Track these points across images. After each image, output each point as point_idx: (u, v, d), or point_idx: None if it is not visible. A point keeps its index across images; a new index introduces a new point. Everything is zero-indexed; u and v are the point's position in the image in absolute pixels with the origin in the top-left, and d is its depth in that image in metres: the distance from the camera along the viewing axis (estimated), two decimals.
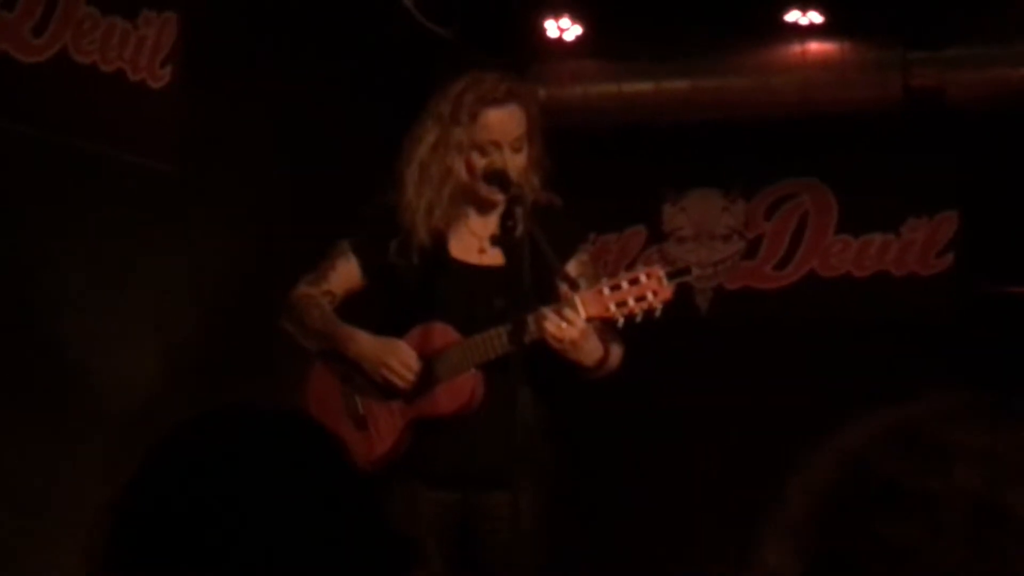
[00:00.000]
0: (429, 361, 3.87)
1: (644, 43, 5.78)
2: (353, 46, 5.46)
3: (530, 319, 3.72)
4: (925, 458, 1.09)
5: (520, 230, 3.70)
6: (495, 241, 3.78)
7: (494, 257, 3.85)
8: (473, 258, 3.92)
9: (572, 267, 3.91)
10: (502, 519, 3.73)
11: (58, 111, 4.57)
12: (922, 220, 6.03)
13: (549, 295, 3.83)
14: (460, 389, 3.84)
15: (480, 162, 3.82)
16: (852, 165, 6.04)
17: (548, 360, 3.79)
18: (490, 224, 3.88)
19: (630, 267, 6.01)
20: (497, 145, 3.80)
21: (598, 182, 6.11)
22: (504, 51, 5.57)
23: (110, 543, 1.35)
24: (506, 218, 3.73)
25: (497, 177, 3.80)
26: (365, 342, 3.89)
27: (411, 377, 3.85)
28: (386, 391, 3.90)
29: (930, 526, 1.06)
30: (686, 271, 3.90)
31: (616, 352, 3.89)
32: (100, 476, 4.33)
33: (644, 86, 5.82)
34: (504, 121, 3.80)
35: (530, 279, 3.68)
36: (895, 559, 1.06)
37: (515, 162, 3.81)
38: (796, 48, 5.69)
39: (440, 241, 3.89)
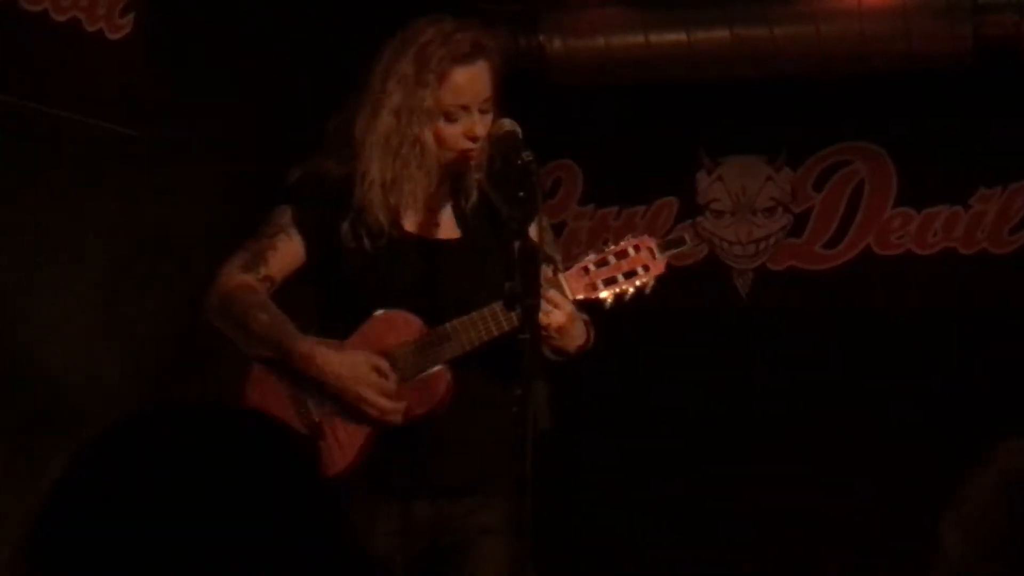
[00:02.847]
0: (392, 355, 3.77)
1: None
2: None
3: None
4: None
5: (539, 198, 3.59)
6: (503, 218, 3.64)
7: (449, 231, 3.81)
8: (432, 233, 3.84)
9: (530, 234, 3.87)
10: (478, 529, 3.72)
11: (2, 65, 4.51)
12: (994, 191, 5.99)
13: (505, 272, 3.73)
14: (433, 387, 3.75)
15: (450, 129, 3.72)
16: (914, 128, 6.00)
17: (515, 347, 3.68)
18: (443, 195, 3.81)
19: None
20: (467, 109, 3.73)
21: (623, 147, 6.11)
22: None
23: (29, 553, 1.35)
24: (517, 189, 3.56)
25: (505, 141, 3.67)
26: (331, 362, 3.74)
27: (391, 407, 3.73)
28: (353, 412, 3.77)
29: None
30: (680, 241, 3.86)
31: (592, 335, 3.83)
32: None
33: (675, 37, 5.79)
34: (474, 81, 3.73)
35: (491, 252, 3.67)
36: None
37: (485, 125, 3.73)
38: None
39: (396, 218, 3.79)
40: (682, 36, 5.77)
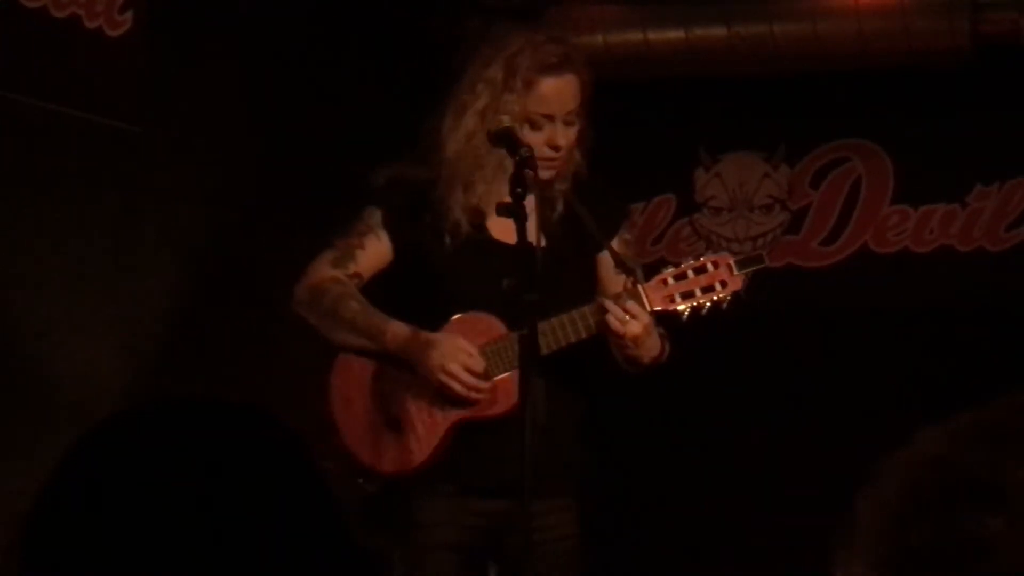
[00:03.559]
0: None
1: None
2: None
3: (588, 310, 3.77)
4: (1013, 451, 1.24)
5: (529, 198, 3.65)
6: (500, 211, 3.71)
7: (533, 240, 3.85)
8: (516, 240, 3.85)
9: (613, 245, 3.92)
10: (549, 528, 3.80)
11: (2, 62, 4.50)
12: (991, 188, 5.96)
13: (590, 282, 3.89)
14: (510, 390, 3.79)
15: (532, 136, 3.78)
16: (911, 125, 5.97)
17: (591, 354, 3.82)
18: (530, 204, 3.82)
19: (657, 241, 6.12)
20: (550, 118, 3.80)
21: (621, 144, 6.07)
22: None
23: (26, 547, 1.37)
24: (514, 185, 3.66)
25: (503, 137, 3.72)
26: (421, 340, 3.82)
27: (475, 383, 3.80)
28: (443, 396, 3.84)
29: (1015, 517, 1.20)
30: (758, 259, 3.94)
31: (667, 348, 3.93)
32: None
33: (674, 34, 5.80)
34: (561, 92, 3.81)
35: (572, 262, 3.81)
36: (978, 552, 1.21)
37: (567, 136, 3.83)
38: None
39: (478, 220, 3.85)
40: (680, 33, 5.77)
